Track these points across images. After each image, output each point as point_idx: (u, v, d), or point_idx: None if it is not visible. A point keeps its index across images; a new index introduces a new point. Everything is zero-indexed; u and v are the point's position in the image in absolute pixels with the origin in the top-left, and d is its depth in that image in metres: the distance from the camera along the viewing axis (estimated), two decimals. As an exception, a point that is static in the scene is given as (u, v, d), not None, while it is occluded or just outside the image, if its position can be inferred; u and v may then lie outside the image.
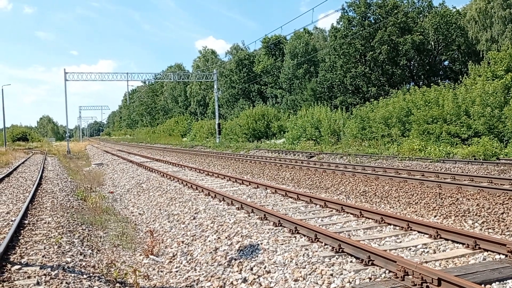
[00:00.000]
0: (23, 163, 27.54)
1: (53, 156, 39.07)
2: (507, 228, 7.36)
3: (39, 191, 14.07)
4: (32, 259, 6.44)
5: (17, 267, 6.02)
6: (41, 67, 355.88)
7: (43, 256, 6.58)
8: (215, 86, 50.35)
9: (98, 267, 6.67)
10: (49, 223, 9.07)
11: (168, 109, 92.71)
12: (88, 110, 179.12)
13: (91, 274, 6.18)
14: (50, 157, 37.17)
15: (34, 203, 11.42)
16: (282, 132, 39.79)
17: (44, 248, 7.07)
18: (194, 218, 9.57)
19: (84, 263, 6.68)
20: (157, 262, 7.60)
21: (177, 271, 7.01)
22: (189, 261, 7.28)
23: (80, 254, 7.16)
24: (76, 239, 8.15)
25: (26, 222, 9.00)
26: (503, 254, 5.70)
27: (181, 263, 7.31)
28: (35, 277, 5.65)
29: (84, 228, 9.40)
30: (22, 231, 8.18)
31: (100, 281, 6.00)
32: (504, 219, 7.72)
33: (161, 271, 7.12)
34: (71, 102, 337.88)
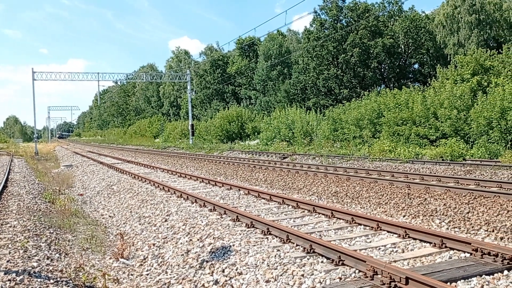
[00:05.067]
0: (-12, 164, 26.59)
1: (20, 157, 37.88)
2: (472, 227, 7.60)
3: (4, 193, 13.62)
4: (-4, 265, 6.21)
5: (-21, 273, 5.80)
6: (9, 66, 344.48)
7: (7, 261, 6.37)
8: (188, 87, 49.98)
9: (66, 272, 6.49)
10: (14, 226, 8.79)
11: (141, 109, 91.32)
12: (58, 110, 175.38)
13: (58, 279, 6.02)
14: (17, 158, 36.03)
15: (-1, 206, 11.04)
16: (256, 133, 39.83)
17: (9, 252, 6.85)
18: (165, 221, 9.46)
19: (51, 268, 6.49)
20: (127, 265, 7.47)
21: (148, 274, 6.92)
22: (160, 264, 7.19)
23: (47, 259, 6.96)
24: (43, 243, 7.92)
25: (-10, 226, 8.69)
26: (468, 253, 5.88)
27: (152, 266, 7.22)
28: (-2, 283, 5.46)
29: (51, 231, 9.15)
30: (-15, 236, 7.89)
31: (68, 286, 5.85)
32: (469, 218, 7.97)
33: (132, 275, 7.01)
34: (40, 102, 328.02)
